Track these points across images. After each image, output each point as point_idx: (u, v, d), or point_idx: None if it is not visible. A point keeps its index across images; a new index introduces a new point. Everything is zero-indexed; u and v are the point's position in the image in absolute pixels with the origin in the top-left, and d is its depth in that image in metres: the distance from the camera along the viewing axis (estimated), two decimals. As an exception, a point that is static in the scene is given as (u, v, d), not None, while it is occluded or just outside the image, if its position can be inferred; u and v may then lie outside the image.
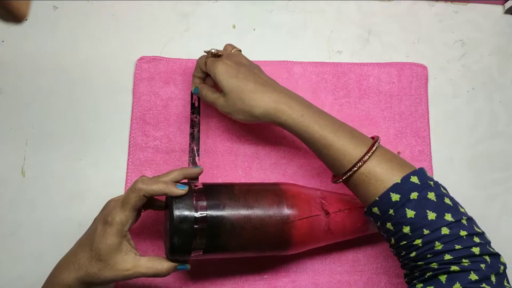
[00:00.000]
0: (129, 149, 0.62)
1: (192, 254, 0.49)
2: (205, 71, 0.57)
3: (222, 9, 0.68)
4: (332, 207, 0.54)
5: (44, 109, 0.63)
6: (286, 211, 0.52)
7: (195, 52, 0.66)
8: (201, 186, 0.51)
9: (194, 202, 0.49)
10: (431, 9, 0.69)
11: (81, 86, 0.64)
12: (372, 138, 0.51)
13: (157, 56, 0.65)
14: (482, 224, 0.62)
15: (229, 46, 0.59)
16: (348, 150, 0.48)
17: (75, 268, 0.48)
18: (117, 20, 0.67)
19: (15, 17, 0.39)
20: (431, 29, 0.68)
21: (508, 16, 0.69)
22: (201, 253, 0.49)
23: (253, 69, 0.56)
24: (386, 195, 0.46)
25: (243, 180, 0.61)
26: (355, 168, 0.47)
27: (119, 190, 0.60)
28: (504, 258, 0.61)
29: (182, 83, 0.64)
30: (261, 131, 0.63)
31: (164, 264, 0.49)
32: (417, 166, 0.62)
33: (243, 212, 0.50)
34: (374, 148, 0.48)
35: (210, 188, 0.51)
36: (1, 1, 0.37)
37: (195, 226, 0.48)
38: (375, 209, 0.47)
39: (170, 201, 0.49)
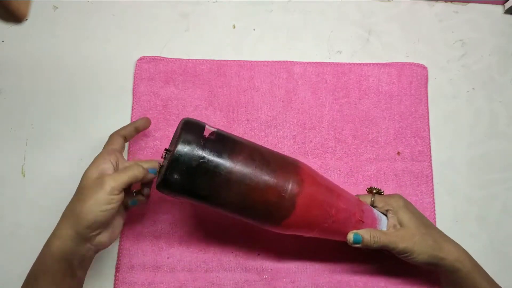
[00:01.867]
0: (129, 149, 0.62)
1: (180, 194, 0.48)
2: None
3: (222, 9, 0.68)
4: (340, 202, 0.52)
5: (44, 109, 0.63)
6: (296, 182, 0.50)
7: (195, 52, 0.66)
8: (215, 130, 0.50)
9: (202, 142, 0.48)
10: (431, 9, 0.69)
11: (81, 86, 0.64)
12: None
13: (157, 56, 0.65)
14: (482, 224, 0.63)
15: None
16: None
17: (67, 219, 0.47)
18: (117, 20, 0.67)
19: (15, 17, 0.39)
20: (431, 29, 0.68)
21: (508, 16, 0.69)
22: (187, 196, 0.48)
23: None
24: None
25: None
26: None
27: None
28: (504, 258, 0.62)
29: (182, 83, 0.64)
30: (261, 131, 0.63)
31: (141, 167, 0.49)
32: (417, 166, 0.62)
33: (250, 167, 0.49)
34: None
35: (223, 136, 0.50)
36: (1, 1, 0.37)
37: (193, 164, 0.47)
38: None
39: (181, 130, 0.48)
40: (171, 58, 0.65)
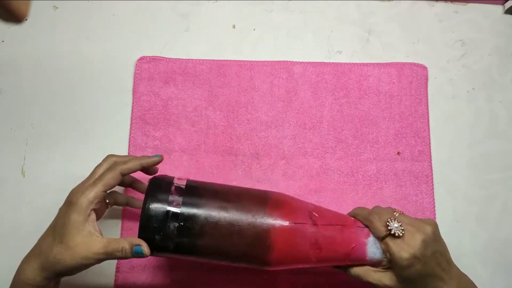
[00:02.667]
0: (129, 149, 0.62)
1: (161, 253, 0.48)
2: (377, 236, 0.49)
3: (222, 9, 0.68)
4: (322, 220, 0.49)
5: (44, 109, 0.63)
6: (267, 215, 0.48)
7: (195, 52, 0.66)
8: (183, 183, 0.49)
9: (171, 196, 0.47)
10: (431, 9, 0.69)
11: (81, 86, 0.64)
12: None
13: (157, 56, 0.65)
14: (482, 224, 0.62)
15: (388, 213, 0.49)
16: None
17: (36, 255, 0.46)
18: (117, 20, 0.67)
19: (15, 17, 0.39)
20: (431, 29, 0.68)
21: (508, 16, 0.69)
22: (170, 252, 0.47)
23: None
24: None
25: (242, 180, 0.61)
26: None
27: (118, 189, 0.60)
28: (505, 258, 0.62)
29: (182, 83, 0.64)
30: (261, 131, 0.63)
31: (122, 244, 0.46)
32: (418, 166, 0.62)
33: (221, 213, 0.47)
34: None
35: (192, 186, 0.49)
36: (1, 1, 0.37)
37: (167, 221, 0.46)
38: None
39: (148, 191, 0.47)
40: (171, 58, 0.65)
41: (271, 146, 0.62)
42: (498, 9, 0.70)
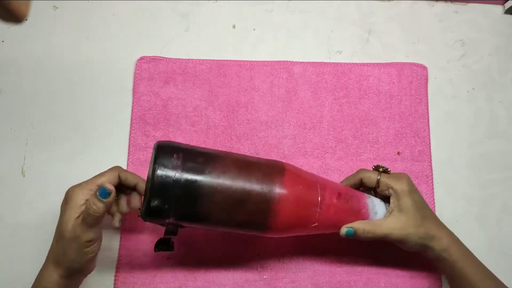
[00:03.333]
0: (129, 149, 0.62)
1: (166, 220, 0.48)
2: (368, 186, 0.55)
3: (222, 9, 0.68)
4: (328, 188, 0.52)
5: (44, 109, 0.63)
6: (274, 182, 0.49)
7: (195, 52, 0.66)
8: (190, 148, 0.49)
9: (174, 162, 0.47)
10: (431, 9, 0.69)
11: (81, 86, 0.64)
12: None
13: (157, 56, 0.65)
14: (482, 224, 0.62)
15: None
16: None
17: (50, 256, 0.48)
18: (117, 20, 0.67)
19: (15, 17, 0.39)
20: (431, 29, 0.68)
21: (508, 16, 0.69)
22: (173, 219, 0.48)
23: None
24: None
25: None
26: None
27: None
28: (505, 258, 0.62)
29: (182, 83, 0.64)
30: (261, 131, 0.63)
31: (91, 200, 0.47)
32: (417, 166, 0.62)
33: (226, 179, 0.48)
34: None
35: (199, 152, 0.49)
36: (1, 1, 0.37)
37: (171, 188, 0.46)
38: None
39: (153, 161, 0.47)
40: (171, 58, 0.65)
41: (271, 146, 0.62)
42: (498, 9, 0.70)
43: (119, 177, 0.50)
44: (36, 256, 0.58)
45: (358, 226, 0.52)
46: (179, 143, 0.50)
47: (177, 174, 0.46)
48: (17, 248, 0.59)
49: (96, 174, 0.61)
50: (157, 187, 0.46)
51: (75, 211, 0.47)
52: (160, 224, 0.49)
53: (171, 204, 0.46)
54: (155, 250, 0.50)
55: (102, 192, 0.47)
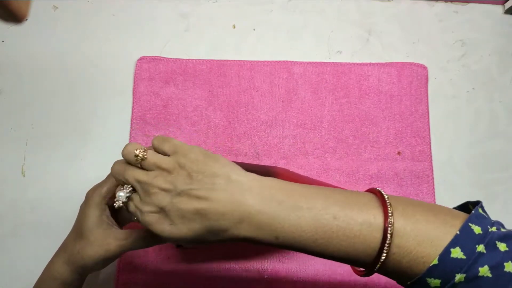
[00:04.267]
0: (129, 149, 0.62)
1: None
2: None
3: (222, 9, 0.68)
4: None
5: (44, 109, 0.63)
6: None
7: (195, 52, 0.66)
8: None
9: None
10: (431, 9, 0.69)
11: (81, 86, 0.64)
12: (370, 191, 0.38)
13: (157, 56, 0.65)
14: (482, 224, 0.62)
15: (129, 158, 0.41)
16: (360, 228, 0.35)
17: (62, 251, 0.48)
18: (117, 20, 0.67)
19: (15, 17, 0.39)
20: (431, 29, 0.68)
21: (508, 16, 0.69)
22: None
23: None
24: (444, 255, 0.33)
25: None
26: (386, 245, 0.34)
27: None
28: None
29: (182, 83, 0.64)
30: (262, 131, 0.63)
31: (145, 234, 0.45)
32: (418, 166, 0.62)
33: None
34: (390, 210, 0.35)
35: None
36: (1, 1, 0.37)
37: None
38: (432, 281, 0.33)
39: None
40: (171, 58, 0.65)
41: (272, 146, 0.62)
42: (498, 9, 0.70)
43: None
44: (36, 256, 0.59)
45: None
46: None
47: None
48: (17, 248, 0.59)
49: (96, 174, 0.61)
50: None
51: (95, 210, 0.47)
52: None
53: None
54: (176, 246, 0.50)
55: None
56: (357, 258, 0.35)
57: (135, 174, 0.39)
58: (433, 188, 0.62)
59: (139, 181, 0.38)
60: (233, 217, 0.35)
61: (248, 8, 0.68)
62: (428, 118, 0.64)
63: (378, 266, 0.34)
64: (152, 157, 0.39)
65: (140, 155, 0.39)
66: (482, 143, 0.65)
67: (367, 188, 0.61)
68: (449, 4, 0.70)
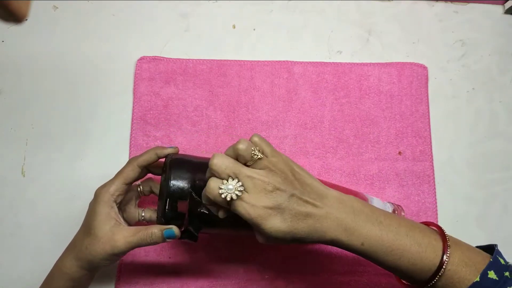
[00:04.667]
0: (129, 149, 0.62)
1: (184, 228, 0.48)
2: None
3: (222, 9, 0.68)
4: None
5: (44, 109, 0.63)
6: None
7: (195, 52, 0.66)
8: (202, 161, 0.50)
9: (191, 173, 0.48)
10: (431, 9, 0.69)
11: (81, 86, 0.64)
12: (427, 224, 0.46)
13: (157, 56, 0.65)
14: (482, 224, 0.62)
15: (244, 153, 0.41)
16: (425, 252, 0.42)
17: (72, 248, 0.49)
18: (117, 20, 0.67)
19: (15, 17, 0.39)
20: (431, 29, 0.68)
21: (508, 16, 0.69)
22: (196, 228, 0.48)
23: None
24: None
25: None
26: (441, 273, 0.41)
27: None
28: (505, 258, 0.62)
29: (182, 83, 0.64)
30: (262, 131, 0.63)
31: (152, 229, 0.47)
32: (419, 166, 0.62)
33: None
34: (447, 236, 0.43)
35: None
36: (1, 1, 0.37)
37: (190, 196, 0.47)
38: None
39: (168, 163, 0.48)
40: (171, 58, 0.65)
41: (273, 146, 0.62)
42: (498, 9, 0.70)
43: (138, 166, 0.50)
44: (36, 256, 0.58)
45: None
46: (187, 156, 0.51)
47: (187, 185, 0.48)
48: (17, 248, 0.59)
49: (96, 174, 0.61)
50: (176, 188, 0.47)
51: (103, 208, 0.48)
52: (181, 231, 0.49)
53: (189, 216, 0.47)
54: (179, 238, 0.50)
55: (170, 235, 0.47)
56: (419, 272, 0.42)
57: (247, 171, 0.41)
58: (434, 188, 0.62)
59: (252, 178, 0.41)
60: (332, 222, 0.41)
61: (248, 8, 0.68)
62: (429, 118, 0.64)
63: (434, 280, 0.41)
64: (266, 159, 0.42)
65: (259, 155, 0.42)
66: (482, 143, 0.65)
67: (368, 187, 0.61)
68: (449, 4, 0.70)
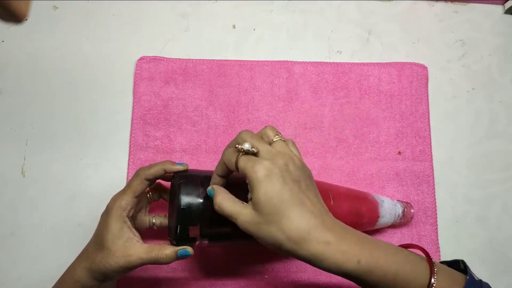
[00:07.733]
0: (129, 149, 0.62)
1: (197, 242, 0.48)
2: (231, 170, 0.45)
3: (222, 9, 0.68)
4: (339, 197, 0.54)
5: (44, 109, 0.63)
6: None
7: (195, 52, 0.66)
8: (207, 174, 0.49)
9: (201, 188, 0.47)
10: (431, 9, 0.69)
11: (81, 86, 0.64)
12: (407, 246, 0.45)
13: (157, 56, 0.65)
14: (482, 224, 0.62)
15: (270, 131, 0.46)
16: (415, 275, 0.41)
17: (84, 258, 0.49)
18: (117, 20, 0.67)
19: (15, 17, 0.39)
20: (431, 29, 0.68)
21: (508, 16, 0.69)
22: (206, 241, 0.48)
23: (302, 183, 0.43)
24: None
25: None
26: None
27: (119, 190, 0.60)
28: (505, 258, 0.62)
29: (182, 83, 0.64)
30: (262, 131, 0.63)
31: (165, 251, 0.47)
32: (419, 166, 0.62)
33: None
34: (432, 259, 0.42)
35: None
36: (1, 1, 0.37)
37: (201, 212, 0.47)
38: None
39: (178, 186, 0.47)
40: (171, 58, 0.65)
41: (272, 146, 0.62)
42: (498, 9, 0.70)
43: (146, 180, 0.50)
44: (36, 256, 0.58)
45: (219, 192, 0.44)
46: (198, 176, 0.50)
47: (200, 199, 0.47)
48: (17, 248, 0.59)
49: (96, 174, 0.61)
50: (184, 213, 0.46)
51: (116, 223, 0.48)
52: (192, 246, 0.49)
53: (199, 227, 0.47)
54: (172, 242, 0.50)
55: (183, 254, 0.48)
56: None
57: (265, 146, 0.45)
58: (434, 188, 0.62)
59: (269, 150, 0.44)
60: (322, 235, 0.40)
61: (248, 8, 0.68)
62: (429, 118, 0.64)
63: None
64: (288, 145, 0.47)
65: (279, 138, 0.46)
66: (482, 143, 0.65)
67: (367, 187, 0.61)
68: (449, 4, 0.70)
